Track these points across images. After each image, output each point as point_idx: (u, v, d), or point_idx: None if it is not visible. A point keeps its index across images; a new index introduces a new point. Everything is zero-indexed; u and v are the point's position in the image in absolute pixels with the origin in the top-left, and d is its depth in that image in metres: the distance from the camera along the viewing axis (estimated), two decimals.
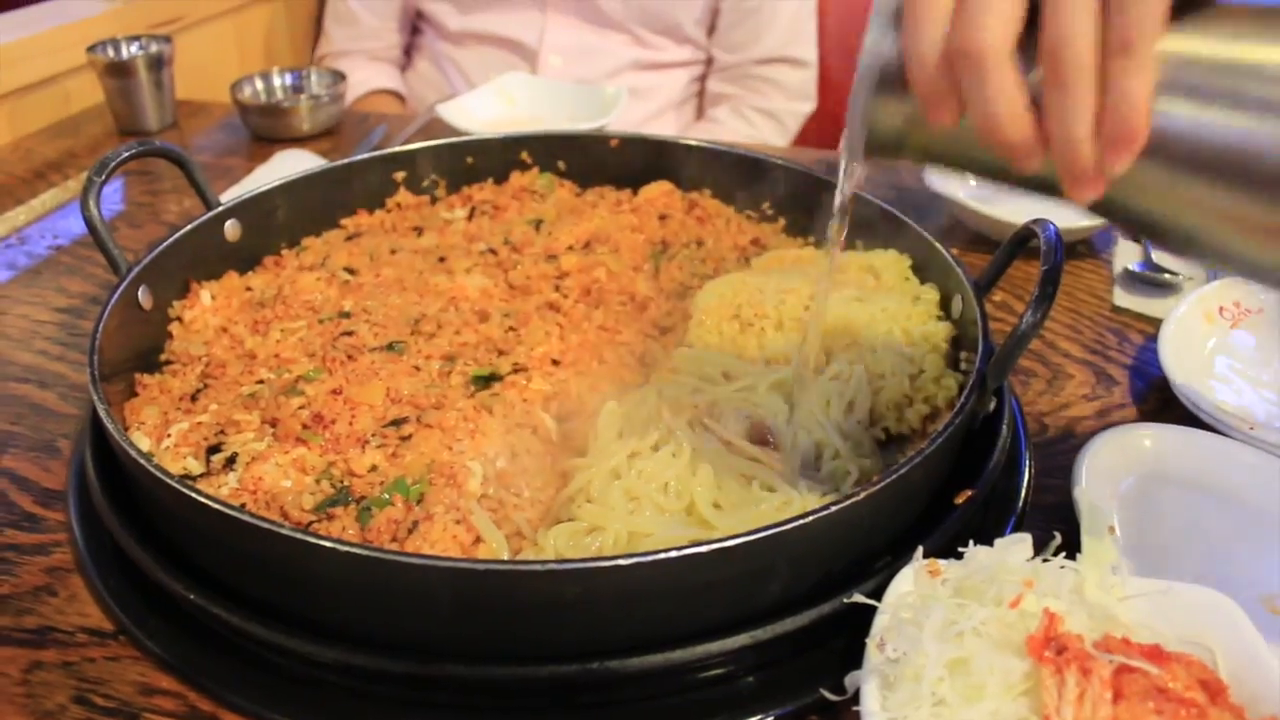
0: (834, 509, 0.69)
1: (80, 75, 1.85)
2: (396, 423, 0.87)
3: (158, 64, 1.76)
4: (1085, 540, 0.81)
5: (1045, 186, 0.65)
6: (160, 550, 0.78)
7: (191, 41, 2.09)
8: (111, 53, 1.76)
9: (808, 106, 2.20)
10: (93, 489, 0.85)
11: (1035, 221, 0.88)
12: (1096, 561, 0.77)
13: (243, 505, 0.79)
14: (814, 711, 0.73)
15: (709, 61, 2.21)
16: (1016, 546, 0.69)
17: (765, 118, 2.15)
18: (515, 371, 0.94)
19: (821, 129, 2.25)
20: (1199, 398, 0.98)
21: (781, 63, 2.14)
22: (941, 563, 0.71)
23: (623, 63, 2.12)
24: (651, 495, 0.80)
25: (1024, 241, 0.92)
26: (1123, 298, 1.25)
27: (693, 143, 1.29)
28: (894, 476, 0.72)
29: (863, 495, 0.70)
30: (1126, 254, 1.33)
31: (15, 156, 1.70)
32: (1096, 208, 0.64)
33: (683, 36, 2.13)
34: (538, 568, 0.65)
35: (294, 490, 0.81)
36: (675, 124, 2.22)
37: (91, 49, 1.74)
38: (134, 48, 1.78)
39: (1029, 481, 0.92)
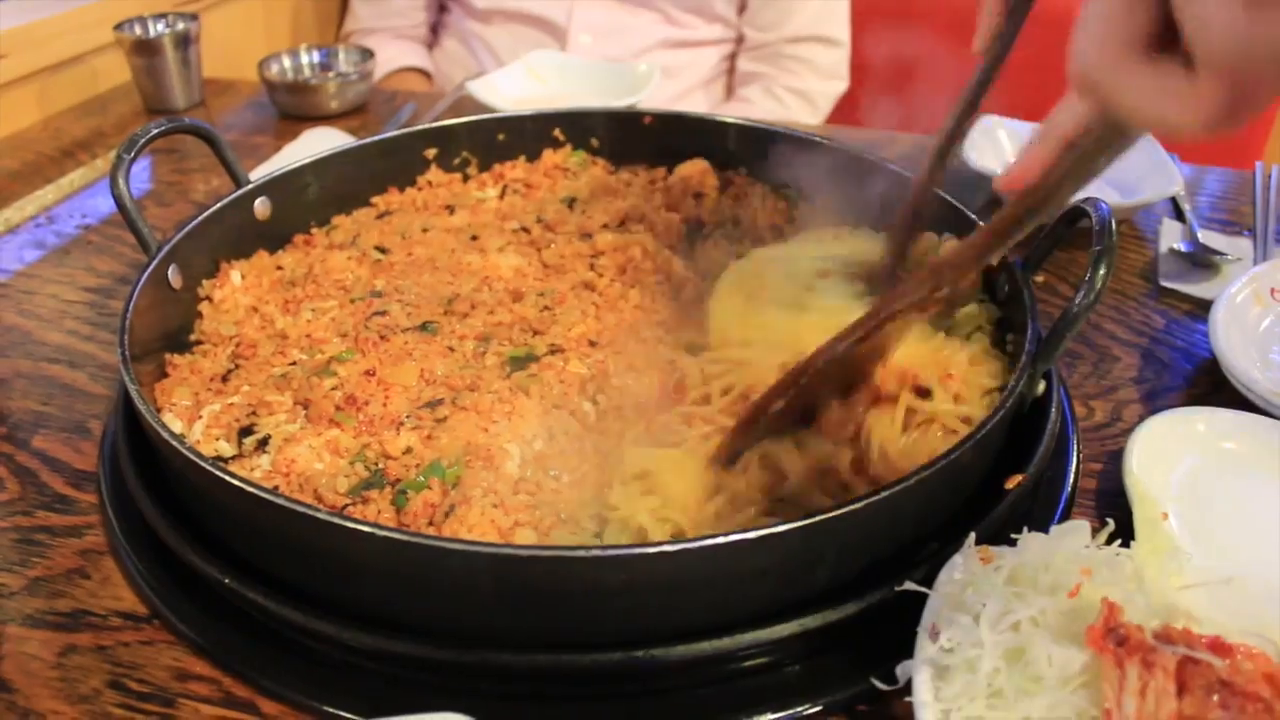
0: (884, 495, 0.67)
1: (108, 54, 1.84)
2: (431, 404, 0.86)
3: (184, 42, 1.74)
4: (1139, 527, 0.79)
5: None
6: (194, 533, 0.77)
7: (218, 19, 2.08)
8: (138, 30, 1.75)
9: (840, 86, 2.16)
10: (124, 471, 0.84)
11: (1086, 200, 0.85)
12: (1153, 549, 0.75)
13: (275, 488, 0.78)
14: (862, 701, 0.71)
15: (739, 40, 2.17)
16: (1072, 534, 0.67)
17: (796, 97, 2.12)
18: (551, 352, 0.93)
19: (854, 109, 2.21)
20: (1253, 381, 0.95)
21: (813, 41, 2.10)
22: (993, 549, 0.69)
23: (652, 41, 2.10)
24: None
25: (1073, 221, 0.89)
26: (1168, 278, 1.22)
27: (729, 120, 1.27)
28: (945, 461, 0.70)
29: (913, 481, 0.68)
30: (1171, 234, 1.29)
31: (45, 135, 1.69)
32: None
33: (713, 14, 2.10)
34: (581, 554, 0.64)
35: (327, 473, 0.80)
36: (704, 103, 2.18)
37: (118, 27, 1.72)
38: (160, 25, 1.76)
39: (1077, 466, 0.90)
